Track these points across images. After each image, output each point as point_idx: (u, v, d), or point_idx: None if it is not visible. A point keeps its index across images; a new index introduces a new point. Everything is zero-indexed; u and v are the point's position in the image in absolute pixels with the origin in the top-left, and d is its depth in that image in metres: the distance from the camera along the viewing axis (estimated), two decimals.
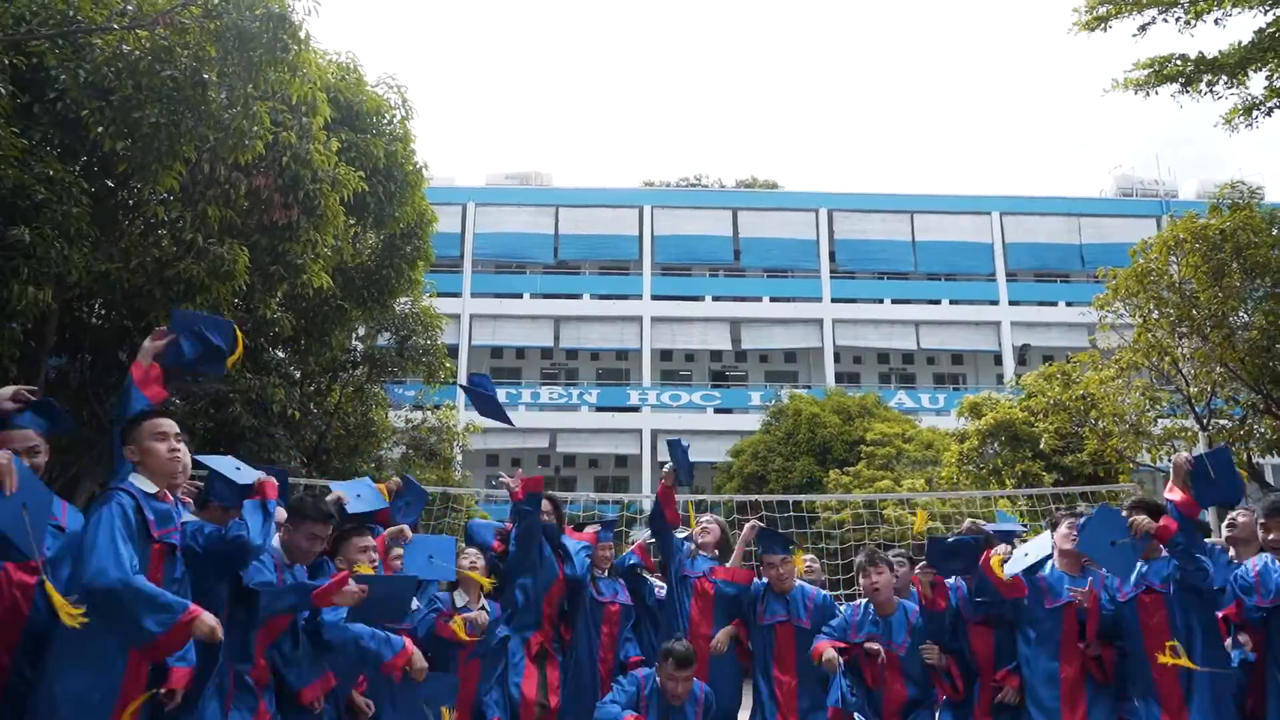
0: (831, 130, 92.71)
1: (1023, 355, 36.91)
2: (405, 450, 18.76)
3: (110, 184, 9.28)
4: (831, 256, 38.50)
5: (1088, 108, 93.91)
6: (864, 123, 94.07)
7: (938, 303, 38.29)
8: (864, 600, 5.94)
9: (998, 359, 37.67)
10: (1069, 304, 36.08)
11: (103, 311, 10.86)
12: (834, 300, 37.76)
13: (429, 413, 19.26)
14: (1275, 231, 12.44)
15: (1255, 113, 10.19)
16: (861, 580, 5.88)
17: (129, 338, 10.95)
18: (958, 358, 39.65)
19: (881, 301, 38.21)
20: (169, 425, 3.80)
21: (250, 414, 12.99)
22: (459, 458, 22.02)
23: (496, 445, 34.74)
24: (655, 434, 35.40)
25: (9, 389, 3.85)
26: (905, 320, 37.63)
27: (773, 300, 38.30)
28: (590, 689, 5.91)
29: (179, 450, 3.78)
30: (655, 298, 37.77)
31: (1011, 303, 37.81)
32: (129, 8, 7.39)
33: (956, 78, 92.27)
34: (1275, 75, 9.95)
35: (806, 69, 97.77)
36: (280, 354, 14.61)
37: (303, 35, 7.71)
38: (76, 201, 7.81)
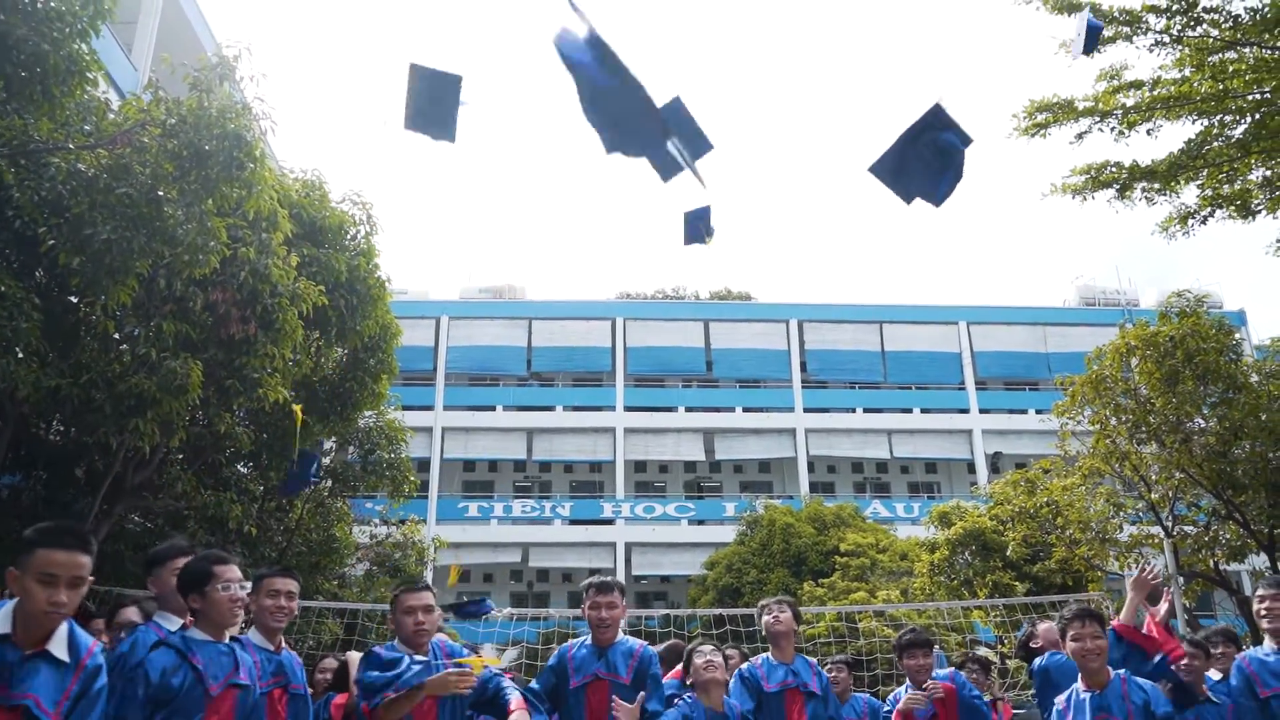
0: (802, 243, 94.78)
1: (995, 463, 36.99)
2: (369, 567, 18.33)
3: (73, 299, 9.30)
4: (803, 367, 38.88)
5: (1049, 219, 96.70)
6: (833, 235, 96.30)
7: (909, 411, 38.53)
8: None
9: (971, 467, 37.75)
10: (1038, 412, 36.36)
11: (60, 428, 10.71)
12: (806, 410, 37.94)
13: (394, 528, 18.91)
14: (1223, 338, 12.73)
15: (1191, 221, 10.60)
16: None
17: (85, 454, 10.80)
18: (931, 466, 39.72)
19: (854, 411, 38.42)
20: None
21: (206, 531, 12.73)
22: (429, 575, 21.55)
23: (468, 560, 34.11)
24: (630, 547, 34.94)
25: None
26: (878, 429, 37.77)
27: (745, 410, 38.43)
28: None
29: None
30: (629, 409, 37.79)
31: (982, 411, 38.15)
32: (87, 128, 7.54)
33: None
34: (1206, 185, 10.39)
35: (778, 183, 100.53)
36: (242, 469, 14.40)
37: (258, 154, 7.87)
38: (27, 316, 7.79)
